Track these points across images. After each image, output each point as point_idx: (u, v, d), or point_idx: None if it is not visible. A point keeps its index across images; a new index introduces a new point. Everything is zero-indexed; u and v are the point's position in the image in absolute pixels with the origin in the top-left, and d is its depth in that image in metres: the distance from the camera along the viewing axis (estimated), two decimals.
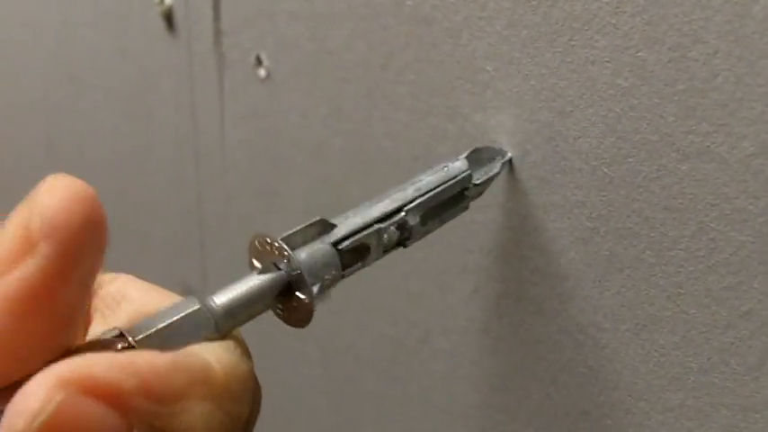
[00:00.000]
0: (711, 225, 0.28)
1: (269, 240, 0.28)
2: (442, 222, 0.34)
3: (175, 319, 0.26)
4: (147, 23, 0.56)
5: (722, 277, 0.29)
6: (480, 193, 0.34)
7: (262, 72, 0.47)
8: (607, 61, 0.30)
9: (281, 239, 0.28)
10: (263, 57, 0.47)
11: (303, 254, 0.28)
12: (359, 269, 0.30)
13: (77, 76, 0.69)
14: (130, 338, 0.25)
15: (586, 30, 0.30)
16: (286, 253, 0.28)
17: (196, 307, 0.26)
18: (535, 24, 0.32)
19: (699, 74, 0.27)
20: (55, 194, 0.20)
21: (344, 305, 0.47)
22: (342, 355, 0.49)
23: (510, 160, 0.34)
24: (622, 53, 0.29)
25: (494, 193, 0.36)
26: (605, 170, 0.31)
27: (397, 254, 0.42)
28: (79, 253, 0.20)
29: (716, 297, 0.29)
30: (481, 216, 0.37)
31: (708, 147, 0.28)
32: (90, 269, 0.20)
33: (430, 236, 0.40)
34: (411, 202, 0.32)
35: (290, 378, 0.55)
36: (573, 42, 0.31)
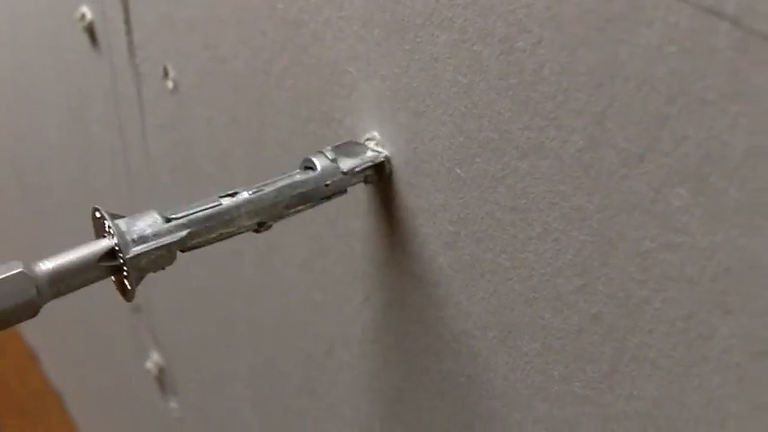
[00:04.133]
0: (554, 225, 0.27)
1: (98, 215, 0.29)
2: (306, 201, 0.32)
3: None
4: (74, 40, 0.56)
5: (569, 280, 0.27)
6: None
7: (170, 84, 0.46)
8: (448, 57, 0.28)
9: (109, 213, 0.29)
10: (170, 68, 0.46)
11: (125, 223, 0.28)
12: (210, 241, 0.30)
13: (30, 95, 0.69)
14: None
15: (428, 25, 0.29)
16: (108, 222, 0.28)
17: (18, 270, 0.26)
18: (385, 22, 0.31)
19: (527, 65, 0.26)
20: None
21: (263, 318, 0.46)
22: (266, 370, 0.48)
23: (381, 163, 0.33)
24: (460, 48, 0.28)
25: (370, 199, 0.34)
26: (458, 171, 0.30)
27: (301, 262, 0.41)
28: None
29: (566, 301, 0.27)
30: (361, 222, 0.36)
31: (542, 143, 0.26)
32: None
33: (325, 243, 0.39)
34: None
35: (226, 400, 0.54)
36: (418, 39, 0.29)
